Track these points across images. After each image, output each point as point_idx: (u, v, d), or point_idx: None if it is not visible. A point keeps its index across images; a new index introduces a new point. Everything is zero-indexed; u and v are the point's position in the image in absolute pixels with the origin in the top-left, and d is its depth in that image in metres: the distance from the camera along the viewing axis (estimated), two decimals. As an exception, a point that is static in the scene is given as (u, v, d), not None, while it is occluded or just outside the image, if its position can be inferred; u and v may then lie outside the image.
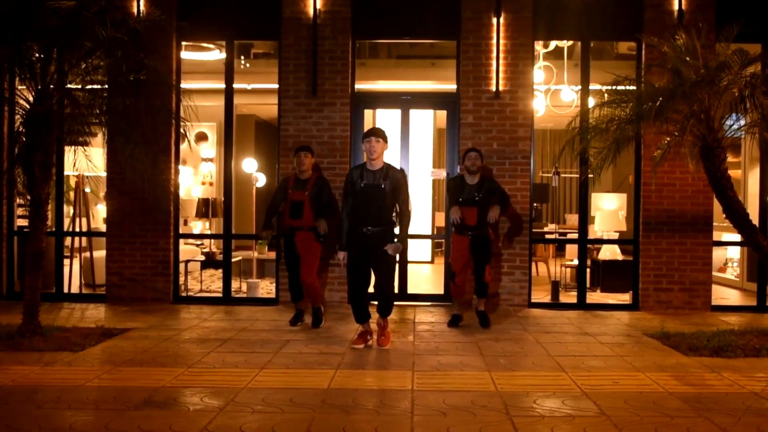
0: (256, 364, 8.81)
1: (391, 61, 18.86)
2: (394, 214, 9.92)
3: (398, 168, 10.21)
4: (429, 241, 20.95)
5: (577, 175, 14.49)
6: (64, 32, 9.78)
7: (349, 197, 9.96)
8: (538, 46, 15.69)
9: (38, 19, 9.65)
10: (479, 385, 7.96)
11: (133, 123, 10.65)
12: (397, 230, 10.03)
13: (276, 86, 13.77)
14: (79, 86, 10.48)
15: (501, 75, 13.32)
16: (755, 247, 10.46)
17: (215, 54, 16.34)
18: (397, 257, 10.16)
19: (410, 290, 13.75)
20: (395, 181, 9.83)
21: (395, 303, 10.49)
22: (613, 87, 11.18)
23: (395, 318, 11.13)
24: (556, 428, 6.41)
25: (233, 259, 14.72)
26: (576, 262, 14.75)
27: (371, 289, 10.07)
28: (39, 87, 10.09)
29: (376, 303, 10.07)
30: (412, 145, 14.38)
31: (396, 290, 11.25)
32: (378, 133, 9.88)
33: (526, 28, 13.36)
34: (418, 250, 20.36)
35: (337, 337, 10.60)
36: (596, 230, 15.74)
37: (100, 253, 14.72)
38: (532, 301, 13.61)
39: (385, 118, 18.37)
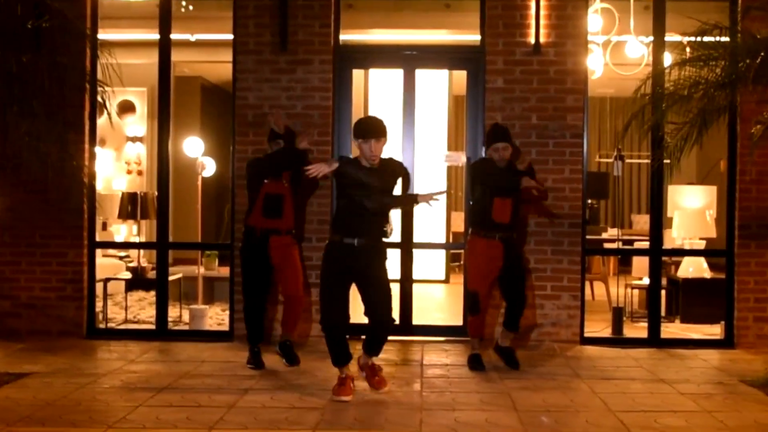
0: (202, 422, 8.78)
1: (391, 2, 18.93)
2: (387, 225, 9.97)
3: (397, 160, 10.22)
4: (443, 253, 20.95)
5: (648, 161, 14.53)
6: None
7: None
8: (595, -18, 15.71)
9: None
10: (513, 453, 7.97)
11: (33, 88, 10.64)
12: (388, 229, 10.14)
13: (230, 37, 13.69)
14: (-41, 37, 10.47)
15: (542, 22, 13.21)
16: None
17: (145, -9, 16.41)
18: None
19: (416, 320, 13.64)
20: (398, 172, 9.97)
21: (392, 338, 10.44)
22: (699, 38, 11.17)
23: (394, 358, 11.04)
24: None
25: (171, 278, 14.66)
26: (646, 281, 14.70)
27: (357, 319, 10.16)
28: None
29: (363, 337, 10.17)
30: (419, 119, 14.21)
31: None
32: (381, 130, 9.81)
33: (578, -45, 13.36)
34: (428, 264, 20.18)
35: (315, 384, 10.56)
36: (675, 237, 15.76)
37: (-15, 269, 14.69)
38: (586, 335, 13.54)
39: (382, 82, 18.38)
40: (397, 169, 9.94)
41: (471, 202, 11.98)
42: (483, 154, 13.06)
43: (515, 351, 11.69)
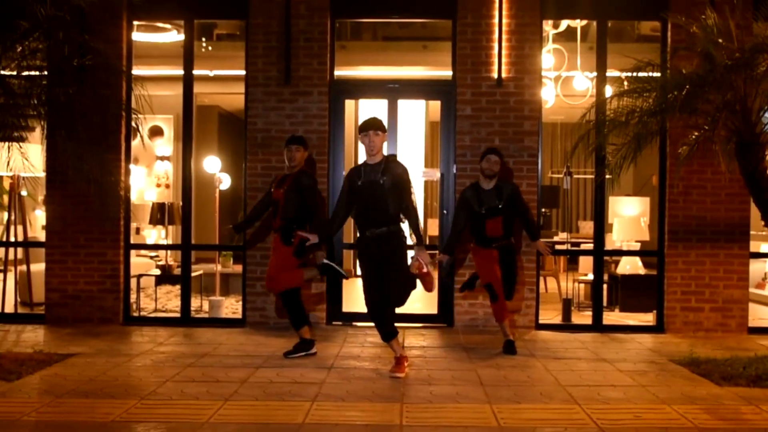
0: (220, 395, 8.77)
1: (377, 43, 18.93)
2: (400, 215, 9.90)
3: (398, 161, 10.13)
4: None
5: (592, 176, 14.56)
6: (-4, 11, 9.75)
7: (341, 200, 10.09)
8: (547, 27, 15.77)
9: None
10: (478, 419, 7.96)
11: (77, 116, 10.63)
12: (407, 231, 10.04)
13: (243, 73, 13.73)
14: (14, 73, 10.46)
15: (504, 60, 13.29)
16: (799, 259, 10.49)
17: (172, 35, 16.35)
18: (420, 266, 10.03)
19: (398, 309, 13.42)
20: (395, 176, 9.78)
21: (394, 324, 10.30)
22: (634, 74, 11.19)
23: (380, 342, 11.05)
24: (568, 469, 6.43)
25: (193, 274, 14.70)
26: (591, 276, 14.71)
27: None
28: (-34, 74, 10.04)
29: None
30: (400, 141, 14.29)
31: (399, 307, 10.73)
32: (376, 125, 9.89)
33: (533, 5, 13.35)
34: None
35: (314, 363, 10.57)
36: (614, 240, 15.80)
37: (38, 267, 14.59)
38: (540, 322, 13.62)
39: (370, 110, 18.36)
40: (392, 166, 9.86)
41: (453, 220, 11.98)
42: (454, 171, 13.31)
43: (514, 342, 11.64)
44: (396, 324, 10.11)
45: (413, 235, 9.86)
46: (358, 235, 10.06)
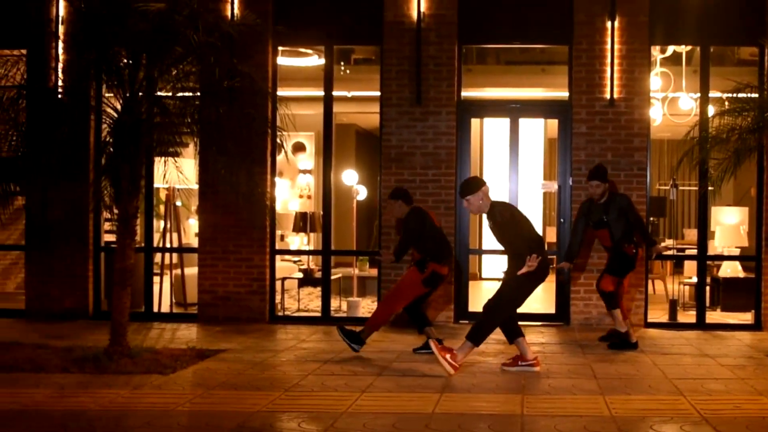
0: (357, 387, 8.74)
1: (500, 67, 18.85)
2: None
3: (500, 204, 9.89)
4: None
5: (696, 188, 14.46)
6: (153, 36, 9.80)
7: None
8: (655, 52, 15.61)
9: (126, 22, 9.67)
10: (593, 409, 7.87)
11: (227, 133, 10.64)
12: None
13: (378, 94, 13.77)
14: (170, 94, 10.52)
15: (615, 82, 13.18)
16: None
17: (314, 60, 16.38)
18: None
19: (519, 309, 13.42)
20: (494, 218, 9.58)
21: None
22: (734, 94, 11.20)
23: (503, 338, 10.88)
24: (674, 456, 6.31)
25: (332, 277, 14.73)
26: (695, 279, 14.62)
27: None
28: (127, 95, 10.12)
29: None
30: (521, 156, 14.30)
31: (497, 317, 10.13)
32: (462, 191, 9.69)
33: (642, 32, 13.25)
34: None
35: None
36: (716, 246, 15.63)
37: (191, 270, 14.73)
38: (649, 320, 13.50)
39: (493, 128, 18.35)
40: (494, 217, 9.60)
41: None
42: (570, 183, 13.37)
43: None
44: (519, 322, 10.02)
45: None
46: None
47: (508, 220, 9.57)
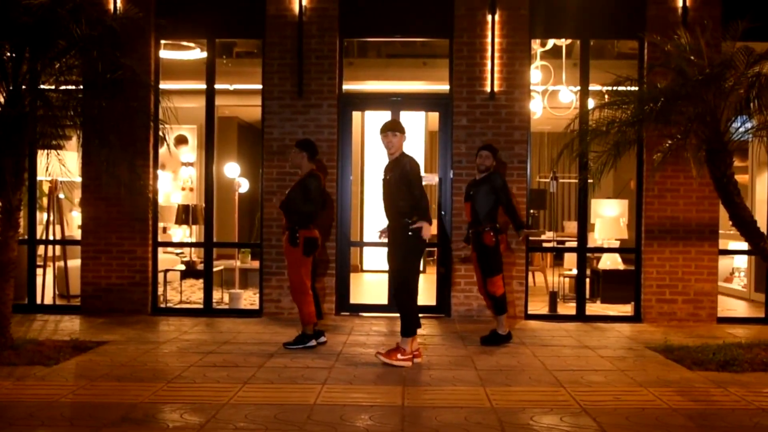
0: (239, 378, 8.80)
1: (381, 60, 18.91)
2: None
3: (411, 156, 10.05)
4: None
5: (576, 181, 14.61)
6: (36, 30, 9.80)
7: None
8: (535, 45, 15.75)
9: (9, 16, 9.66)
10: (473, 400, 7.97)
11: (110, 126, 10.63)
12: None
13: (260, 87, 13.78)
14: (53, 87, 10.49)
15: (496, 75, 13.33)
16: (763, 256, 10.49)
17: (196, 53, 16.36)
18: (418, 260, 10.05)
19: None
20: (401, 168, 9.74)
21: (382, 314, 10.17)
22: (614, 88, 11.24)
23: (384, 330, 11.03)
24: (554, 446, 6.43)
25: (215, 269, 14.69)
26: (575, 271, 14.79)
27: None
28: (10, 88, 10.09)
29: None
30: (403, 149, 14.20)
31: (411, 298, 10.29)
32: (392, 126, 9.91)
33: (523, 25, 13.40)
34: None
35: (324, 350, 10.59)
36: (596, 238, 15.81)
37: (74, 263, 14.66)
38: (529, 312, 13.63)
39: (374, 121, 18.42)
40: (403, 161, 9.82)
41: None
42: (451, 176, 13.42)
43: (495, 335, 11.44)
44: (398, 314, 10.05)
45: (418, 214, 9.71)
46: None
47: (414, 175, 9.75)
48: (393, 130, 9.87)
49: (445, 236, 13.61)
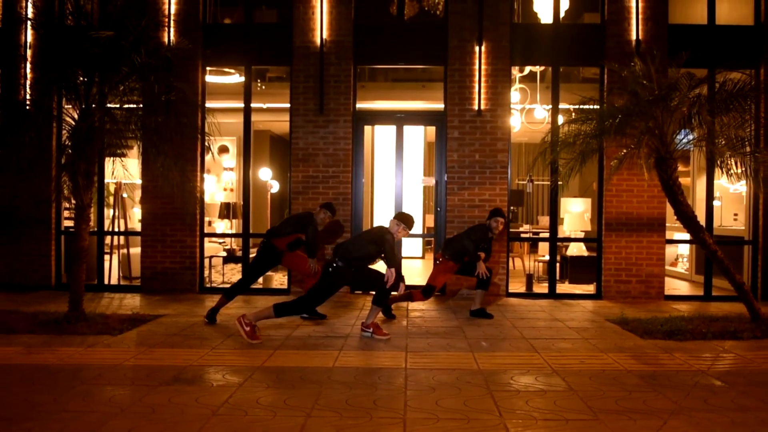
0: (271, 346, 8.84)
1: (387, 83, 18.82)
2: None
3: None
4: (420, 240, 20.83)
5: (548, 182, 14.60)
6: (104, 59, 9.89)
7: None
8: (515, 71, 15.70)
9: (82, 47, 9.77)
10: (464, 364, 7.98)
11: (164, 138, 10.67)
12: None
13: (288, 105, 13.80)
14: (118, 105, 10.52)
15: (482, 96, 13.35)
16: (702, 245, 10.48)
17: (235, 78, 16.32)
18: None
19: (407, 282, 13.53)
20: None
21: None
22: (580, 106, 11.29)
23: (391, 307, 11.14)
24: (530, 401, 6.42)
25: (251, 255, 14.47)
26: (547, 257, 14.73)
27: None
28: (83, 106, 10.16)
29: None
30: (405, 157, 14.47)
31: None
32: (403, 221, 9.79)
33: (505, 55, 13.41)
34: (411, 247, 20.52)
35: (340, 323, 10.58)
36: (565, 230, 15.77)
37: (135, 250, 14.71)
38: (510, 291, 13.63)
39: (382, 133, 18.43)
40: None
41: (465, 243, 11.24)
42: (445, 179, 13.36)
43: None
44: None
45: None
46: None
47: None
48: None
49: (441, 228, 13.61)
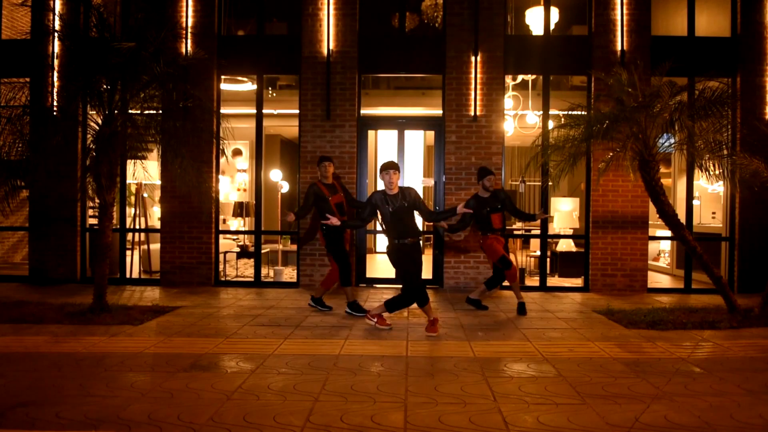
0: (281, 335, 8.86)
1: (390, 91, 18.80)
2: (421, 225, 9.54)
3: (407, 186, 9.76)
4: (420, 239, 20.66)
5: (540, 183, 14.56)
6: (126, 68, 9.95)
7: (367, 208, 9.52)
8: (508, 79, 15.68)
9: (105, 57, 9.81)
10: (461, 351, 8.00)
11: (182, 141, 10.73)
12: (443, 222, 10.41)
13: (297, 111, 13.79)
14: (138, 111, 10.58)
15: (478, 103, 13.35)
16: (682, 241, 10.48)
17: (248, 86, 16.32)
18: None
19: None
20: (411, 197, 9.46)
21: (391, 286, 10.14)
22: (569, 112, 11.38)
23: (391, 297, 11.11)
24: (522, 387, 6.42)
25: (263, 251, 14.72)
26: (538, 253, 14.65)
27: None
28: (106, 112, 10.19)
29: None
30: (406, 159, 14.54)
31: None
32: (395, 166, 9.48)
33: (499, 64, 13.40)
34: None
35: (346, 315, 10.58)
36: (555, 227, 15.75)
37: (155, 246, 14.75)
38: (504, 284, 13.39)
39: (385, 137, 18.44)
40: (407, 191, 9.48)
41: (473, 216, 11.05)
42: (443, 180, 13.37)
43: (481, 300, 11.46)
44: (399, 286, 9.97)
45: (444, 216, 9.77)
46: (396, 242, 9.45)
47: (417, 195, 9.55)
48: (396, 169, 9.47)
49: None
